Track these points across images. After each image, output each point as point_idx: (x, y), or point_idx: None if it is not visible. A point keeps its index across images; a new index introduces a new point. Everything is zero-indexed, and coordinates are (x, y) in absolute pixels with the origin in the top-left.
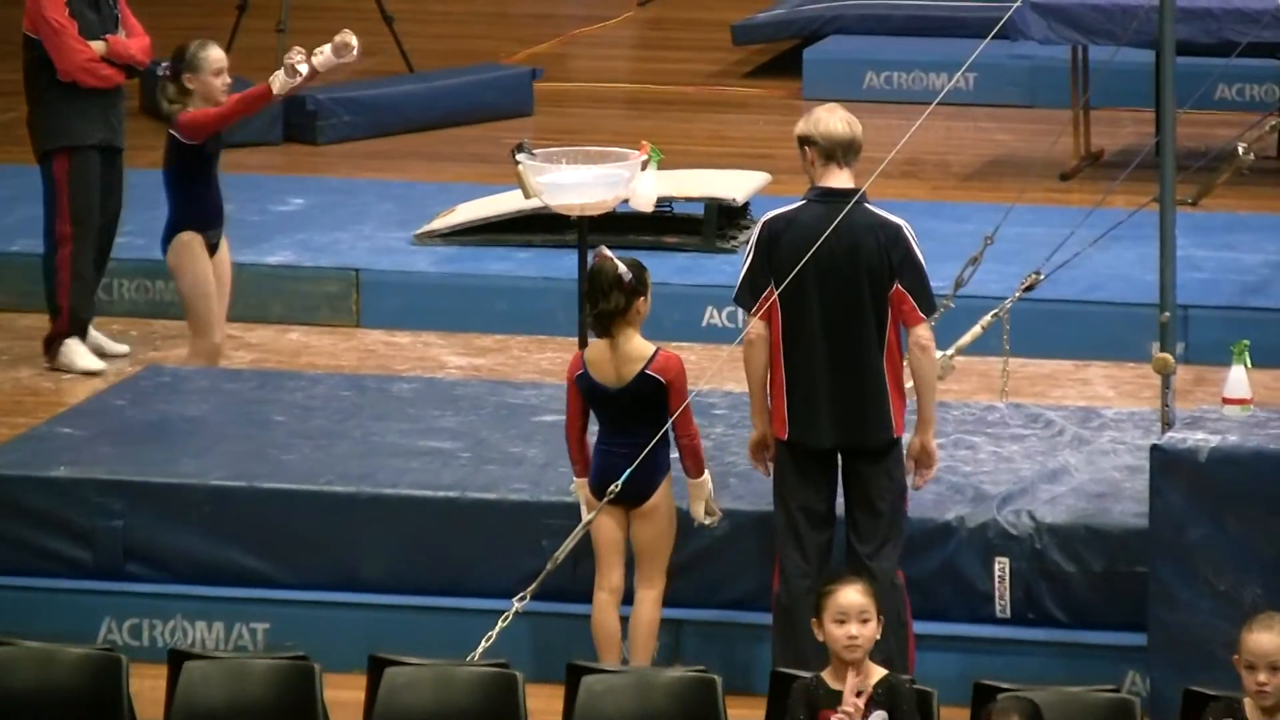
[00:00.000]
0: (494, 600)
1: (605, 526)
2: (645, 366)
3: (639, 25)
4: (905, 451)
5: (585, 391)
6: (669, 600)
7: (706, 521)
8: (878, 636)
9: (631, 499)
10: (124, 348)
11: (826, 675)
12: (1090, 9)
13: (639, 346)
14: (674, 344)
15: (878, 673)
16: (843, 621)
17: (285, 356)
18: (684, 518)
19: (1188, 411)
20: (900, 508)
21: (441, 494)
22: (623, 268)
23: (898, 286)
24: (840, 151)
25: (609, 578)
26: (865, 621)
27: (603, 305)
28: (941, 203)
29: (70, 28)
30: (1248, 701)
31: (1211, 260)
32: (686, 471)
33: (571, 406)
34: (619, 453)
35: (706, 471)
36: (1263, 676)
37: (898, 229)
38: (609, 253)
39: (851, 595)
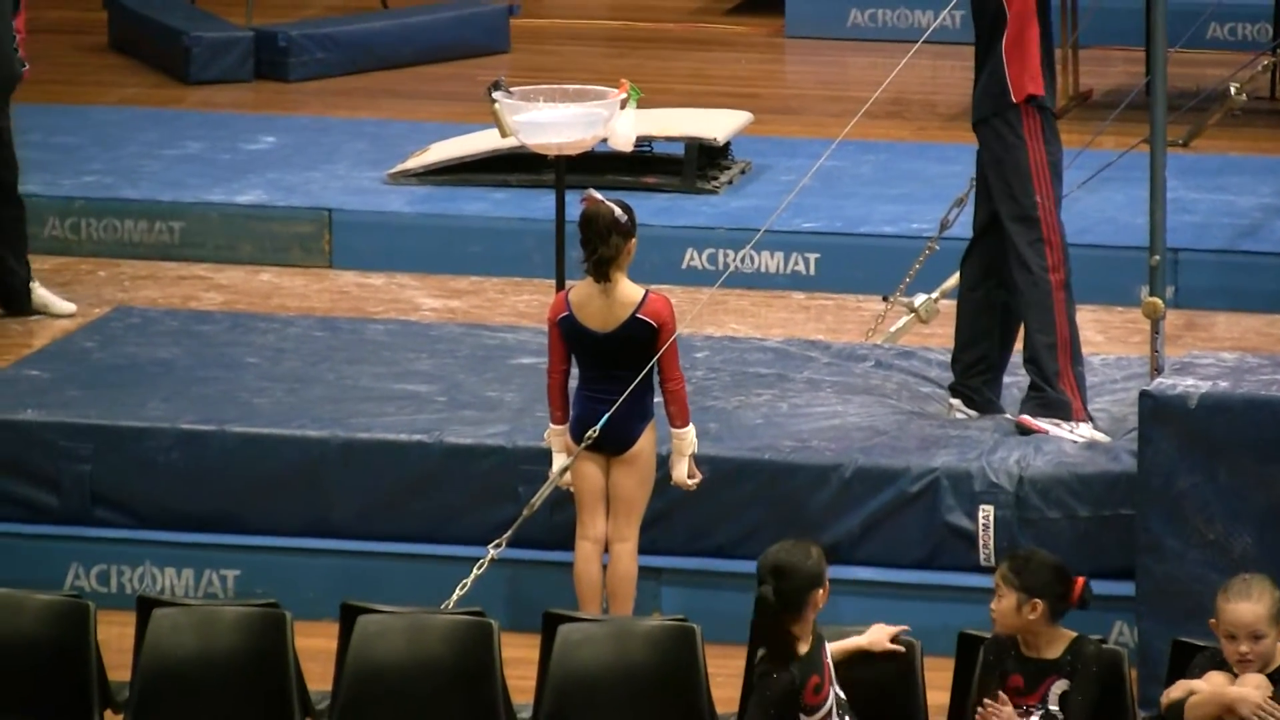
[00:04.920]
0: (469, 547)
1: (588, 474)
2: (636, 310)
3: None
4: None
5: (569, 335)
6: (648, 547)
7: (689, 484)
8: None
9: (613, 446)
10: (70, 305)
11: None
12: None
13: (628, 290)
14: (651, 286)
15: (1065, 638)
16: None
17: (256, 298)
18: (663, 465)
19: (1178, 357)
20: (1019, 168)
21: (416, 438)
22: (618, 210)
23: None
24: None
25: (592, 527)
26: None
27: (603, 250)
28: (927, 144)
29: None
30: None
31: (1203, 203)
32: (671, 421)
33: (554, 350)
34: (602, 399)
35: (691, 425)
36: (1244, 647)
37: None
38: (599, 195)
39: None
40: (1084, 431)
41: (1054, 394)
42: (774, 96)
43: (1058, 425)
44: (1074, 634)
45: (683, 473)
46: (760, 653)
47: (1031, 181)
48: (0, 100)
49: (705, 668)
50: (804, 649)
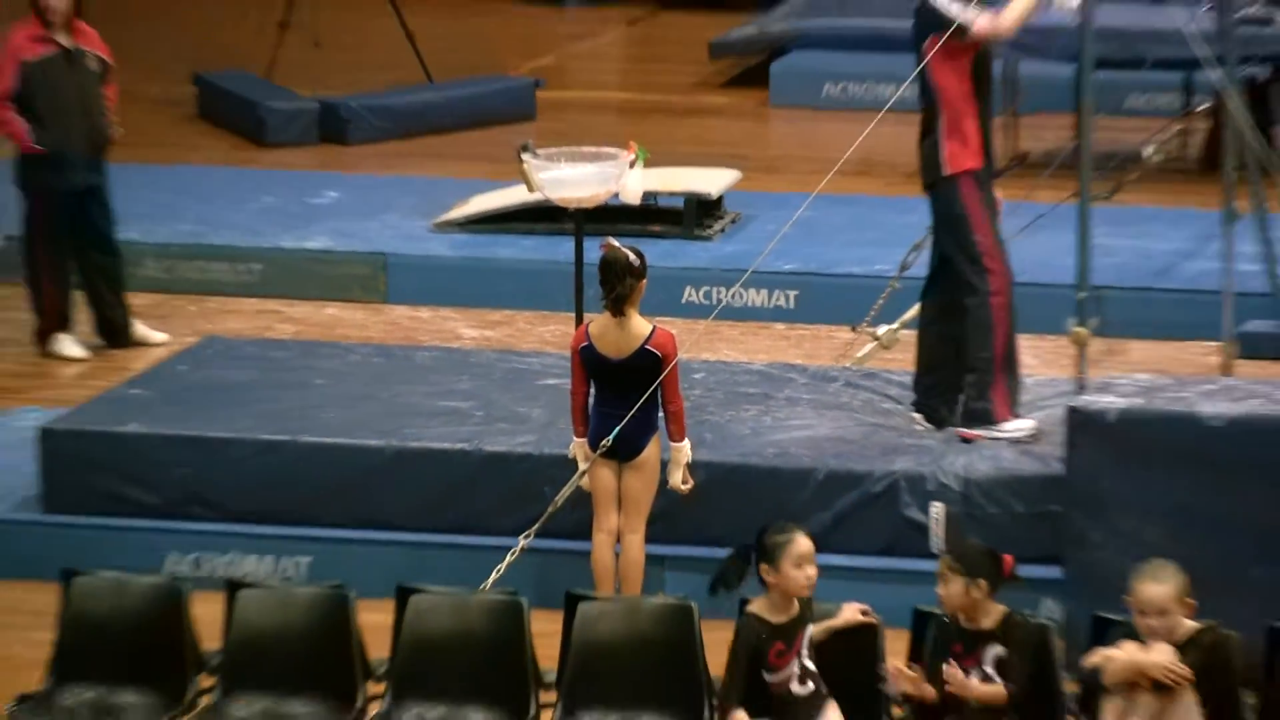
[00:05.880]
0: (503, 538)
1: (602, 478)
2: (645, 342)
3: (629, 42)
4: None
5: (589, 361)
6: (654, 538)
7: (684, 488)
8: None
9: (624, 454)
10: (163, 336)
11: (765, 611)
12: (1021, 29)
13: (639, 324)
14: (656, 318)
15: (999, 611)
16: (801, 565)
17: (322, 329)
18: (665, 470)
19: (1100, 378)
20: (962, 225)
21: (458, 447)
22: (632, 255)
23: (930, 38)
24: None
25: (606, 521)
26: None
27: (619, 289)
28: (892, 197)
29: None
30: None
31: (1123, 247)
32: (671, 435)
33: (576, 375)
34: (616, 415)
35: (688, 439)
36: (1154, 621)
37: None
38: (616, 242)
39: (806, 542)
40: (1011, 427)
41: (982, 404)
42: (760, 157)
43: (988, 429)
44: (1005, 609)
45: (678, 479)
46: (747, 607)
47: (974, 233)
48: (94, 161)
49: (701, 639)
50: (780, 619)
